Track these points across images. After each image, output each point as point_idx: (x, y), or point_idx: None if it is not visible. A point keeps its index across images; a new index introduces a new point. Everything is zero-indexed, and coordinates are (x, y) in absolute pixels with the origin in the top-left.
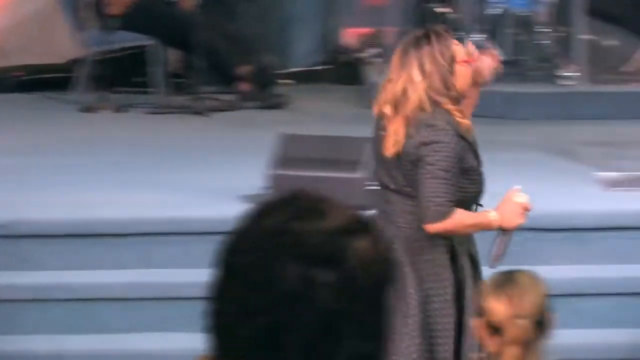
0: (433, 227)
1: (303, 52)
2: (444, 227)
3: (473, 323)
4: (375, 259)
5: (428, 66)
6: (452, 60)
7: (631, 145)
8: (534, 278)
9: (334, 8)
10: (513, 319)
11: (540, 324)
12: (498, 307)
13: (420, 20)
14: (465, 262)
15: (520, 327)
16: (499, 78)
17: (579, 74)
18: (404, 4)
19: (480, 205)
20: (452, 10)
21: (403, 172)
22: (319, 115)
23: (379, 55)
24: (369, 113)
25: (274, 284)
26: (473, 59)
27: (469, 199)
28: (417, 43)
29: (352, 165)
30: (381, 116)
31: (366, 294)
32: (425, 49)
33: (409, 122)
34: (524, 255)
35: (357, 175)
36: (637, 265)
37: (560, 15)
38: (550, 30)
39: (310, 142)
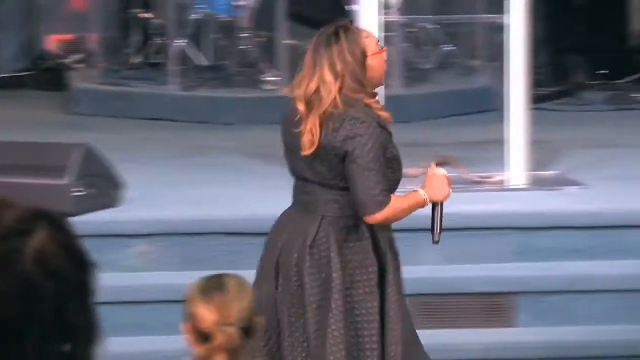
0: (374, 218)
1: (5, 58)
2: (385, 216)
3: (182, 327)
4: (55, 255)
5: (339, 66)
6: (363, 55)
7: None
8: (241, 284)
9: (37, 14)
10: (220, 326)
11: (248, 331)
12: (205, 313)
13: (123, 26)
14: (386, 249)
15: (227, 334)
16: (203, 83)
17: (280, 78)
18: (106, 10)
19: None
20: (154, 16)
21: (328, 165)
22: (22, 122)
23: (82, 61)
24: (73, 119)
25: None
26: (384, 49)
27: (392, 187)
28: (327, 42)
29: (58, 171)
30: (295, 112)
31: (49, 293)
32: (335, 48)
33: (325, 119)
34: (228, 260)
35: (63, 181)
36: None
37: (262, 20)
38: (252, 35)
39: (13, 149)
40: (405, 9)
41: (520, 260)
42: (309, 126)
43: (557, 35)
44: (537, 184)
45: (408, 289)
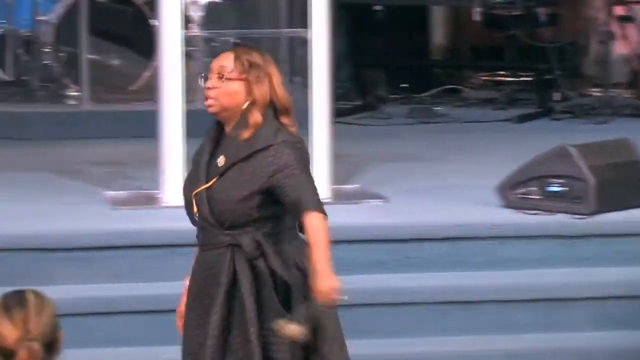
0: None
1: None
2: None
3: None
4: None
5: None
6: None
7: (136, 164)
8: (42, 298)
9: None
10: (23, 342)
11: (51, 346)
12: (6, 330)
13: None
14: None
15: (30, 349)
16: (4, 98)
17: (82, 93)
18: None
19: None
20: None
21: None
22: None
23: None
24: None
25: None
26: None
27: None
28: None
29: None
30: None
31: None
32: None
33: None
34: (29, 275)
35: None
36: (145, 284)
37: (65, 36)
38: (54, 50)
39: None
40: (207, 23)
41: None
42: None
43: (360, 50)
44: (340, 197)
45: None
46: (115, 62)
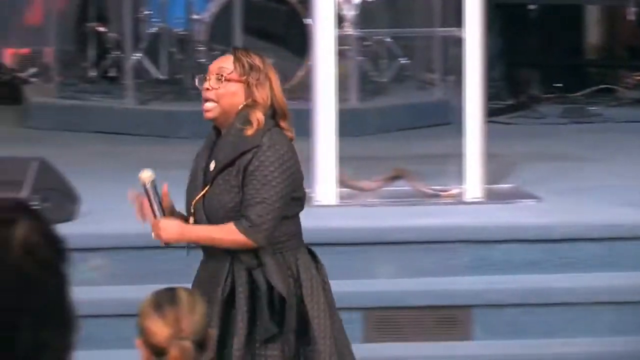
0: None
1: None
2: None
3: (136, 342)
4: (39, 244)
5: None
6: None
7: None
8: (194, 297)
9: None
10: (174, 340)
11: (201, 344)
12: (158, 327)
13: (79, 40)
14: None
15: (182, 348)
16: (159, 97)
17: None
18: (62, 24)
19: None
20: (110, 30)
21: None
22: None
23: (38, 75)
24: (29, 133)
25: None
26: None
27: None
28: None
29: (13, 186)
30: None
31: (42, 283)
32: None
33: None
34: (182, 274)
35: (21, 195)
36: None
37: (218, 34)
38: (208, 48)
39: None
40: (360, 22)
41: (475, 274)
42: None
43: (513, 49)
44: (493, 197)
45: (363, 302)
46: (269, 60)
